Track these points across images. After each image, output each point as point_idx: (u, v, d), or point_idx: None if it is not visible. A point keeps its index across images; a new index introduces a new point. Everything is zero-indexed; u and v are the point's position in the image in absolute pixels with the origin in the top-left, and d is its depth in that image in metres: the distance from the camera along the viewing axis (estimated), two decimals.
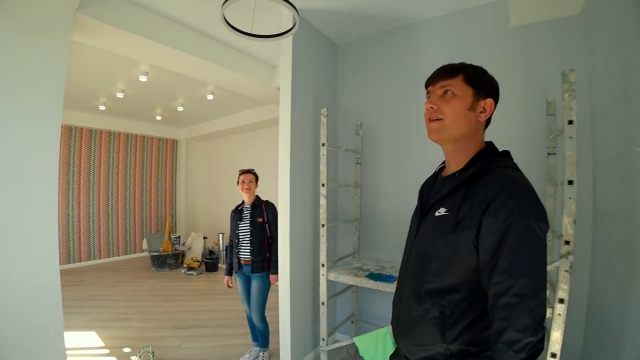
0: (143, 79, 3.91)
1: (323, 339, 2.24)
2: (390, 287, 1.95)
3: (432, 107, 0.91)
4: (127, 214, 6.60)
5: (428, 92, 0.96)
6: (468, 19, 2.35)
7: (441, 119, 0.89)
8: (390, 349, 1.84)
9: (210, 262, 5.59)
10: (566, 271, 1.42)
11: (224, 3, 1.40)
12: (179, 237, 6.15)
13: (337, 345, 2.25)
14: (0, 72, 1.74)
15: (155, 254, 5.60)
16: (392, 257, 2.59)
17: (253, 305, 2.52)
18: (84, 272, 5.41)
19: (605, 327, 1.68)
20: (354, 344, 2.06)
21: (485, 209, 0.78)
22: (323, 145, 2.19)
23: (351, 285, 2.68)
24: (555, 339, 1.45)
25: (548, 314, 1.48)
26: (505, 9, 2.15)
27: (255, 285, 2.50)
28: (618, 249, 1.56)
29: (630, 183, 1.40)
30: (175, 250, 5.84)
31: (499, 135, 1.88)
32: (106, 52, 2.98)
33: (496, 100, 0.92)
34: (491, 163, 0.86)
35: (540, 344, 0.72)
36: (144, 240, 6.10)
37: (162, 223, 7.07)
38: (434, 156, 2.41)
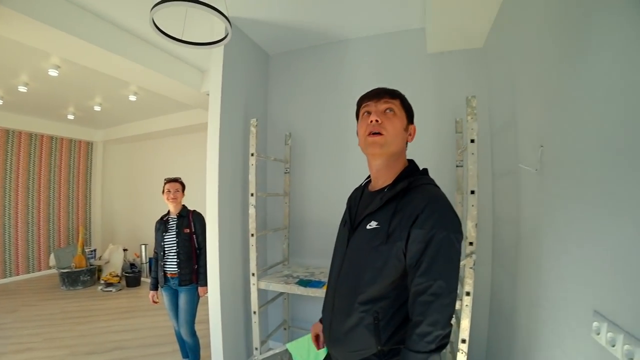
0: (53, 73, 3.49)
1: (256, 348, 2.24)
2: (320, 293, 2.03)
3: (377, 121, 0.96)
4: (29, 226, 5.75)
5: (365, 107, 1.03)
6: (391, 42, 2.58)
7: (383, 134, 0.96)
8: (323, 350, 1.91)
9: (131, 277, 5.14)
10: (471, 268, 1.65)
11: (152, 8, 1.35)
12: (95, 250, 5.56)
13: (271, 353, 2.26)
14: None
15: (65, 270, 4.96)
16: (321, 262, 2.69)
17: (182, 320, 2.40)
18: None
19: (502, 314, 1.97)
20: (287, 350, 2.09)
21: (413, 221, 0.88)
22: (252, 155, 2.20)
23: (282, 293, 2.71)
24: (465, 326, 1.66)
25: (457, 306, 1.70)
26: (423, 36, 2.41)
27: (183, 298, 2.40)
28: (510, 248, 1.85)
29: (517, 193, 1.68)
30: (91, 265, 5.25)
31: (416, 147, 2.12)
32: (7, 39, 2.61)
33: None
34: (416, 180, 0.96)
35: (447, 337, 0.85)
36: (52, 256, 5.37)
37: (73, 235, 6.30)
38: (356, 166, 2.61)
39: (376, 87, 1.07)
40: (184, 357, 2.58)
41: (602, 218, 0.88)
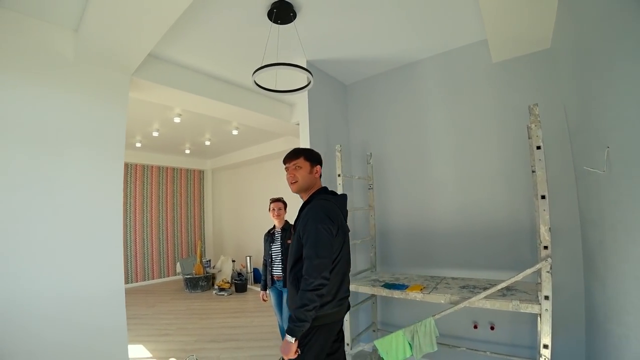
0: (177, 120, 4.44)
1: (348, 344, 2.52)
2: (403, 295, 2.24)
3: (291, 176, 1.65)
4: (160, 240, 7.12)
5: (285, 167, 1.68)
6: (456, 57, 2.73)
7: (297, 181, 1.64)
8: (407, 349, 2.11)
9: (239, 284, 5.95)
10: (547, 272, 1.66)
11: (254, 73, 1.82)
12: (209, 260, 6.57)
13: (360, 347, 2.52)
14: (79, 126, 2.24)
15: (188, 276, 6.03)
16: (406, 269, 2.88)
17: (285, 316, 2.84)
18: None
19: (596, 322, 1.90)
20: (375, 350, 2.33)
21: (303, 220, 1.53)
22: (339, 176, 2.54)
23: (370, 297, 2.96)
24: (545, 331, 1.66)
25: (536, 311, 1.73)
26: (487, 46, 2.48)
27: (286, 297, 2.84)
28: (595, 252, 1.81)
29: (595, 195, 1.68)
30: (207, 272, 6.25)
31: (490, 155, 2.26)
32: (144, 100, 3.49)
33: (321, 164, 1.71)
34: (313, 198, 1.61)
35: (319, 285, 1.39)
36: (178, 264, 6.56)
37: (192, 248, 7.55)
38: (435, 179, 2.76)
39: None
40: None
41: None
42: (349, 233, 1.73)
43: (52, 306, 2.03)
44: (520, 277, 1.75)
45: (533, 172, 2.25)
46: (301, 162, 1.65)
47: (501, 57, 2.47)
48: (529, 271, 1.71)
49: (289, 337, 1.40)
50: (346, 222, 1.70)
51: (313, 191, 1.66)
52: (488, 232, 2.53)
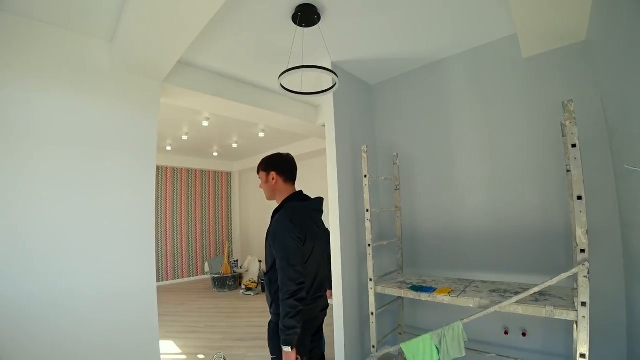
0: (205, 124, 4.59)
1: (374, 346, 2.50)
2: (431, 297, 2.20)
3: (260, 187, 1.77)
4: (189, 240, 7.36)
5: None
6: (483, 53, 2.65)
7: (265, 194, 1.76)
8: (435, 354, 2.07)
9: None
10: (585, 277, 1.58)
11: (280, 76, 1.85)
12: (237, 260, 6.72)
13: (386, 350, 2.50)
14: (115, 131, 2.36)
15: (216, 276, 6.20)
16: (433, 272, 2.82)
17: None
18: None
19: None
20: (401, 353, 2.30)
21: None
22: (365, 176, 2.54)
23: (396, 299, 2.93)
24: (582, 340, 1.58)
25: (572, 318, 1.65)
26: (516, 41, 2.38)
27: None
28: (637, 257, 1.71)
29: (634, 196, 1.58)
30: (234, 272, 6.39)
31: (521, 154, 2.19)
32: (173, 105, 3.62)
33: (279, 168, 1.71)
34: (284, 205, 1.66)
35: (293, 291, 1.43)
36: (206, 264, 6.75)
37: (219, 248, 7.75)
38: (464, 179, 2.70)
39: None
40: None
41: None
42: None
43: (91, 302, 2.15)
44: (554, 281, 1.68)
45: (568, 171, 2.16)
46: (260, 175, 1.75)
47: (532, 51, 2.38)
48: (564, 275, 1.64)
49: (285, 348, 1.44)
50: (321, 224, 1.79)
51: (283, 197, 1.70)
52: (519, 234, 2.44)
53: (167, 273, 6.92)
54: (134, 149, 2.45)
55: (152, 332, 2.43)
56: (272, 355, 1.66)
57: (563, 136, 2.17)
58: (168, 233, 7.01)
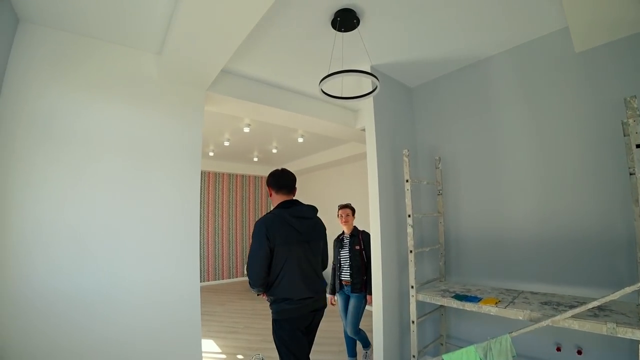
0: (246, 130, 4.76)
1: (414, 356, 2.42)
2: (476, 308, 2.10)
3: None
4: (230, 243, 7.62)
5: None
6: (530, 50, 2.51)
7: None
8: None
9: None
10: None
11: (321, 81, 1.89)
12: None
13: None
14: (163, 138, 2.52)
15: None
16: (478, 281, 2.69)
17: (348, 320, 2.85)
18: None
19: None
20: None
21: None
22: (407, 181, 2.49)
23: (438, 308, 2.83)
24: None
25: (638, 337, 1.50)
26: (568, 35, 2.24)
27: (352, 303, 2.85)
28: None
29: None
30: None
31: (575, 156, 2.07)
32: (217, 112, 3.77)
33: (272, 182, 2.03)
34: (272, 211, 1.94)
35: (254, 286, 1.83)
36: (246, 266, 6.93)
37: None
38: (511, 183, 2.57)
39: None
40: (349, 355, 3.00)
41: None
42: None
43: (142, 299, 2.30)
44: (617, 295, 1.54)
45: (631, 174, 1.98)
46: (268, 188, 2.08)
47: (585, 45, 2.21)
48: (628, 289, 1.50)
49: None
50: (305, 229, 1.92)
51: (274, 205, 2.02)
52: (573, 242, 2.26)
53: (209, 274, 7.20)
54: (180, 156, 2.60)
55: (195, 330, 2.54)
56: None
57: (625, 135, 2.01)
58: (210, 236, 7.32)
